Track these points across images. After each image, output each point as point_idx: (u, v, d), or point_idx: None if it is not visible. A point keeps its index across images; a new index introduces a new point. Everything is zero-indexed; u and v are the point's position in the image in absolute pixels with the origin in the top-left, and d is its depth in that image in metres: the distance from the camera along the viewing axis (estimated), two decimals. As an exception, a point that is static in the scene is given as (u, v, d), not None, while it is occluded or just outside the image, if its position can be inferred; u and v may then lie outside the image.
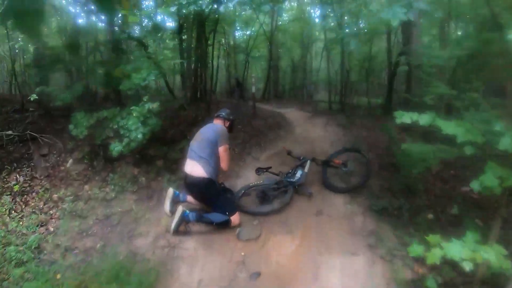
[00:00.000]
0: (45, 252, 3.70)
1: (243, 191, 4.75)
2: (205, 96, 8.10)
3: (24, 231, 3.92)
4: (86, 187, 4.82)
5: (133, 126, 4.54)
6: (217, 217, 3.91)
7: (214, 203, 4.03)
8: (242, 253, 3.63)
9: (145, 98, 4.63)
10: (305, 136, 7.96)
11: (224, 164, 4.10)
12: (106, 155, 5.19)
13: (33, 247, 3.69)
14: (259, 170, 5.15)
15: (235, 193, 4.68)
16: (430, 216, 4.39)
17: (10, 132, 5.32)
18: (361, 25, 11.50)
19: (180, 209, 3.83)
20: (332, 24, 13.26)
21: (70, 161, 5.26)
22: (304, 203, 4.69)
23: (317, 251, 3.68)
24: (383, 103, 11.61)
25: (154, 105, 4.55)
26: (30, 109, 6.36)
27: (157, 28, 4.80)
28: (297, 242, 3.85)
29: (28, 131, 5.37)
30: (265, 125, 8.23)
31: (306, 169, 5.03)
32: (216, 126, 4.27)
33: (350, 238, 3.92)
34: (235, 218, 3.98)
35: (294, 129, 8.49)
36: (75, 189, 4.73)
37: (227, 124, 4.46)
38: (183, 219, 3.81)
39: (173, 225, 3.80)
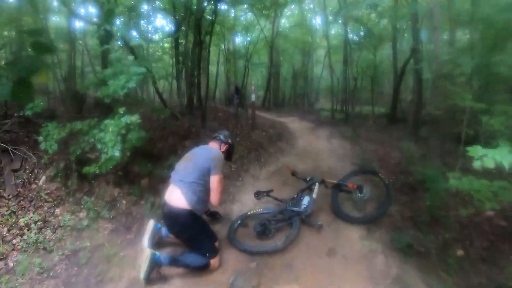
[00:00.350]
0: (-4, 299, 2.92)
1: (239, 222, 3.92)
2: (200, 104, 7.31)
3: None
4: (57, 211, 3.98)
5: (110, 143, 3.75)
6: (195, 260, 3.10)
7: (193, 241, 3.22)
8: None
9: (121, 110, 3.83)
10: (309, 149, 7.20)
11: (215, 197, 3.27)
12: (82, 173, 4.41)
13: (-17, 293, 2.91)
14: (258, 194, 4.33)
15: (225, 218, 3.99)
16: (460, 252, 3.56)
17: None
18: (361, 33, 10.90)
19: (148, 253, 2.98)
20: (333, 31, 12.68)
21: (43, 178, 4.44)
22: (312, 238, 3.80)
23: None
24: (388, 113, 10.91)
25: (134, 118, 3.76)
26: (15, 114, 5.58)
27: (110, 14, 3.98)
28: None
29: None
30: (266, 137, 7.43)
31: (314, 195, 4.17)
32: (211, 149, 3.45)
33: (371, 288, 3.08)
34: (215, 262, 3.16)
35: (296, 142, 7.73)
36: (44, 213, 3.89)
37: (224, 148, 3.64)
38: (154, 265, 2.97)
39: (142, 273, 2.92)
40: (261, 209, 4.11)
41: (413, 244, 3.63)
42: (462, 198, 4.39)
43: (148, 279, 2.95)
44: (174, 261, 3.05)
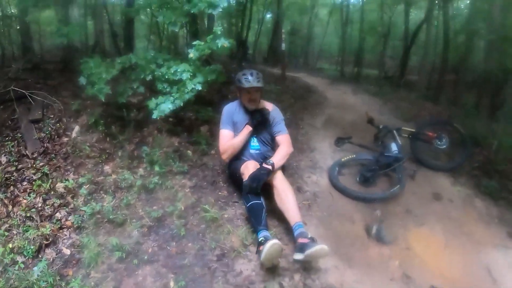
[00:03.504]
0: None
1: (337, 169, 3.38)
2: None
3: (19, 260, 2.16)
4: (107, 168, 3.06)
5: (186, 75, 2.90)
6: None
7: None
8: (396, 262, 2.37)
9: (218, 31, 2.87)
10: (344, 103, 6.64)
11: None
12: (129, 119, 3.50)
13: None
14: (339, 141, 3.86)
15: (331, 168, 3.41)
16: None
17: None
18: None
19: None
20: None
21: (76, 128, 3.45)
22: (411, 184, 3.47)
23: (467, 247, 2.72)
24: (395, 76, 10.41)
25: (226, 44, 2.87)
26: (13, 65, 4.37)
27: None
28: (439, 238, 2.78)
29: (11, 87, 3.40)
30: (298, 88, 6.77)
31: (399, 141, 3.75)
32: None
33: (486, 227, 3.05)
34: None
35: (326, 95, 7.09)
36: (90, 172, 2.93)
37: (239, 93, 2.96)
38: None
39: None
40: (354, 155, 3.61)
41: (501, 190, 3.56)
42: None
43: None
44: None
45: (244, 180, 2.46)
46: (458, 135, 4.14)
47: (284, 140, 2.75)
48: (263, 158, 2.78)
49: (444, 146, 3.99)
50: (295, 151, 3.67)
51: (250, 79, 2.68)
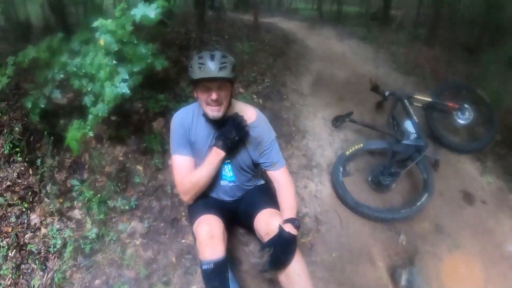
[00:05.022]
0: None
1: (341, 170, 2.43)
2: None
3: None
4: (34, 218, 2.05)
5: (103, 72, 1.77)
6: None
7: None
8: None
9: None
10: (330, 53, 5.45)
11: None
12: (57, 132, 2.34)
13: None
14: (337, 120, 2.94)
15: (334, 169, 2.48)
16: None
17: None
18: None
19: None
20: None
21: None
22: (436, 179, 2.59)
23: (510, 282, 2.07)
24: (378, 13, 9.06)
25: (154, 11, 1.67)
26: None
27: None
28: (478, 269, 2.08)
29: None
30: (275, 39, 5.46)
31: (415, 117, 2.83)
32: None
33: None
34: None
35: (307, 44, 5.82)
36: (13, 229, 1.95)
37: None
38: None
39: None
40: (361, 145, 2.68)
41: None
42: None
43: None
44: None
45: (204, 261, 1.47)
46: (480, 102, 3.26)
47: (283, 175, 1.71)
48: (241, 192, 1.80)
49: (467, 121, 3.14)
50: (281, 142, 2.74)
51: (208, 65, 1.45)
